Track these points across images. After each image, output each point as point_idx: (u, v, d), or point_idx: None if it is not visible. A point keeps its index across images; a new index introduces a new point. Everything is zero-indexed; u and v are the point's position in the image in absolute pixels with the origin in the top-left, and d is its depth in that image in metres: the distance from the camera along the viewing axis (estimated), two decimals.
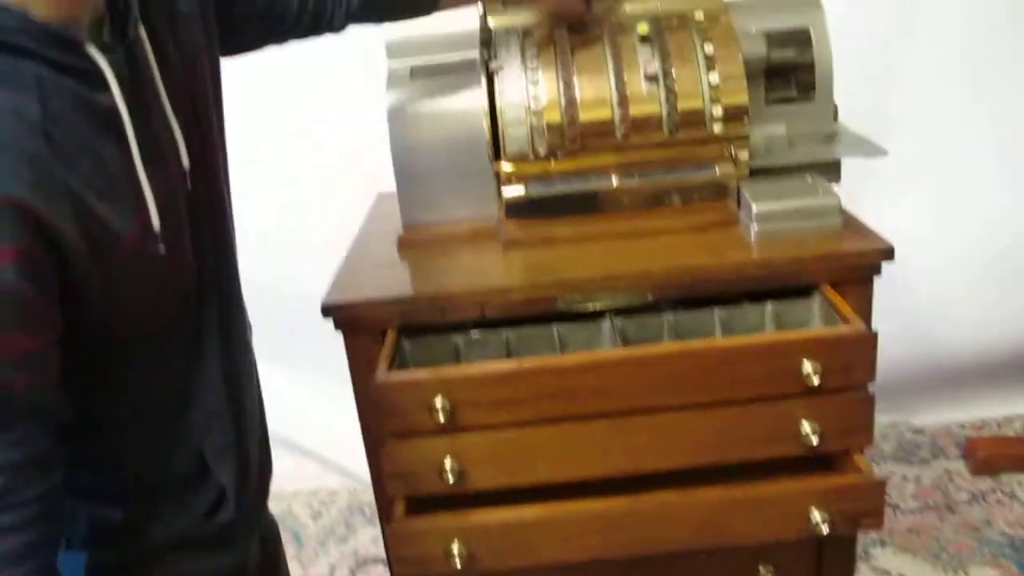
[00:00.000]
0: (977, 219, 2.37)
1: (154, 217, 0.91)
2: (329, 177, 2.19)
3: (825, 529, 1.18)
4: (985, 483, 2.39)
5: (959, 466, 2.47)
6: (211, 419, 1.08)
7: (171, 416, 1.05)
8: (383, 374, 1.18)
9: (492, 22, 1.46)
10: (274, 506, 2.57)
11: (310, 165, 2.22)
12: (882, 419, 2.59)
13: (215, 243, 1.04)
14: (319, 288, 1.34)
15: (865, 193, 2.01)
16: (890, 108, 2.25)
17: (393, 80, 1.45)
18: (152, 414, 1.03)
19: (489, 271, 1.32)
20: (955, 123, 2.30)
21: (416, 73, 1.45)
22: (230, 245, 1.09)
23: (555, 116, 1.35)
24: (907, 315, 2.39)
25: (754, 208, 1.31)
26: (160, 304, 0.96)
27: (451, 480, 1.18)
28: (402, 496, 1.24)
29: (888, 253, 1.27)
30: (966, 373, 2.55)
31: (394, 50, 1.48)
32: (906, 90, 2.27)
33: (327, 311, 1.28)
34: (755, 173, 1.42)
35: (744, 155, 1.38)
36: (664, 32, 1.40)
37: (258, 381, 1.19)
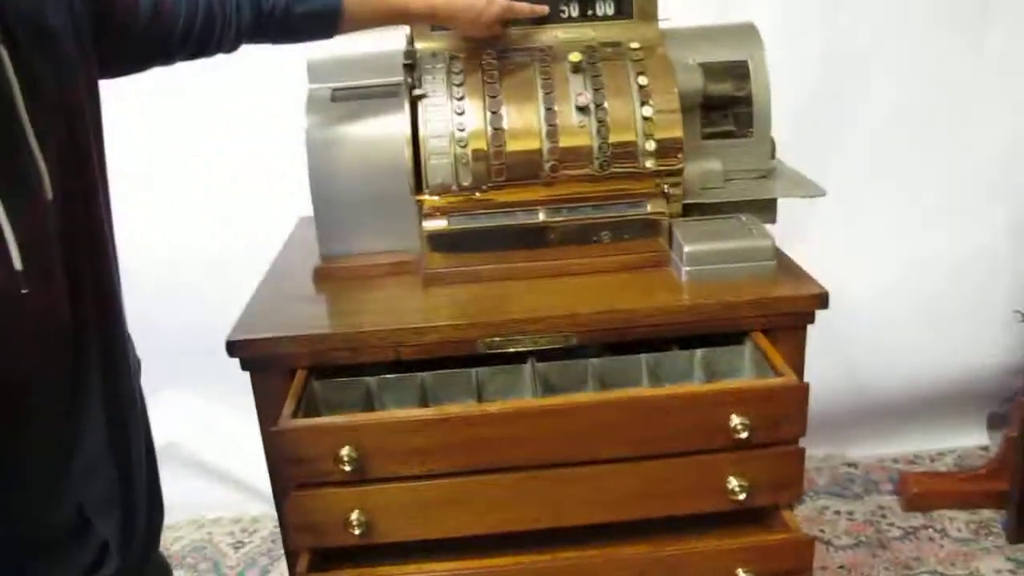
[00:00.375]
0: (912, 257, 2.36)
1: (15, 256, 0.82)
2: (248, 197, 2.09)
3: None
4: (917, 519, 2.37)
5: (892, 501, 2.45)
6: (92, 470, 0.99)
7: (47, 468, 0.95)
8: (286, 420, 1.10)
9: (419, 45, 1.39)
10: (194, 534, 2.47)
11: (229, 184, 2.12)
12: (816, 452, 2.57)
13: (95, 280, 0.96)
14: (236, 314, 1.28)
15: (800, 225, 1.98)
16: (828, 142, 2.23)
17: (313, 102, 1.38)
18: (25, 467, 0.94)
19: (407, 309, 1.25)
20: (893, 160, 2.28)
21: (338, 96, 1.38)
22: (112, 281, 1.00)
23: (481, 146, 1.29)
24: (842, 348, 2.37)
25: (685, 249, 1.26)
26: (27, 349, 0.87)
27: (358, 533, 1.11)
28: (307, 548, 1.16)
29: (823, 300, 1.23)
30: (899, 407, 2.54)
31: (316, 71, 1.41)
32: (844, 126, 2.25)
33: (232, 348, 1.20)
34: (689, 210, 1.37)
35: (677, 192, 1.33)
36: (598, 62, 1.34)
37: (147, 425, 1.10)
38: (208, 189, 2.11)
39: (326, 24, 1.24)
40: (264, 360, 1.21)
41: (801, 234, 2.06)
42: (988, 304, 2.43)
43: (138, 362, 1.10)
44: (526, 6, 1.35)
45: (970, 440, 2.66)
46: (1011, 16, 2.21)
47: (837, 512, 2.43)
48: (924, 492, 2.39)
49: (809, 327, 1.24)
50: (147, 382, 2.42)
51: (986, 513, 2.37)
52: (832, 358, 2.28)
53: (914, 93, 2.23)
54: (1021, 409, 2.18)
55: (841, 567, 2.23)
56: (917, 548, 2.28)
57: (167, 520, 2.58)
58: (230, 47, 1.19)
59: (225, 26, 1.15)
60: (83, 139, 0.93)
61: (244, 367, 1.22)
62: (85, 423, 0.96)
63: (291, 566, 1.26)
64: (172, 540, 2.49)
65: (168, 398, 2.45)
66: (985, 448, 2.66)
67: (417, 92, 1.30)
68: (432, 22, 1.35)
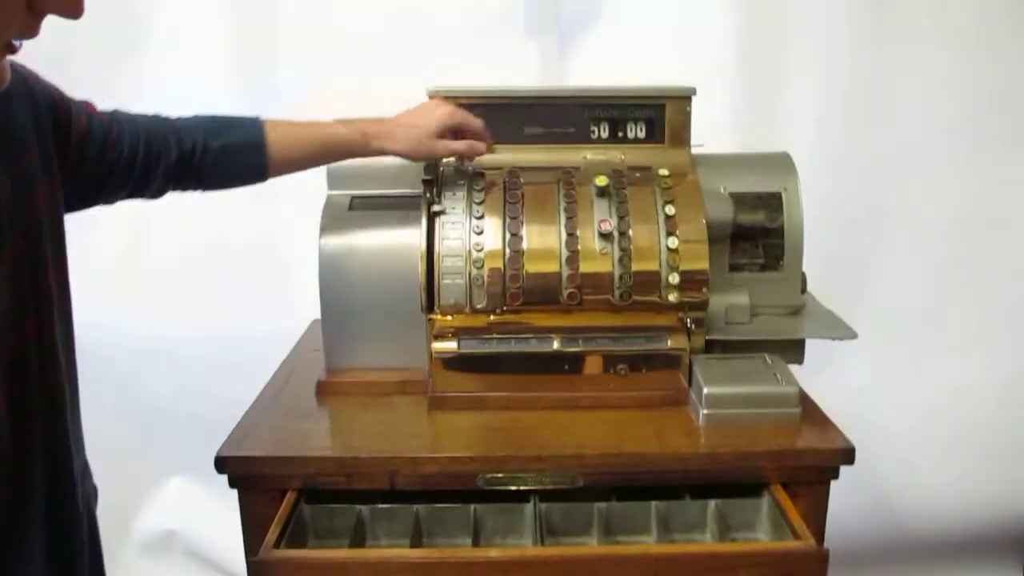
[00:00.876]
0: (947, 386, 2.27)
1: None
2: (266, 293, 2.06)
3: None
4: None
5: None
6: None
7: None
8: (268, 550, 1.03)
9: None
10: None
11: (247, 277, 2.08)
12: None
13: (44, 405, 0.89)
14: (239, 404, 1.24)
15: (831, 352, 1.91)
16: (861, 269, 2.16)
17: (330, 209, 1.35)
18: None
19: (407, 435, 1.19)
20: (931, 291, 2.21)
21: (356, 204, 1.35)
22: (62, 404, 0.92)
23: (497, 268, 1.24)
24: (872, 481, 2.26)
25: (705, 390, 1.20)
26: None
27: None
28: None
29: (848, 455, 1.15)
30: (931, 545, 2.40)
31: (335, 178, 1.38)
32: (879, 251, 2.19)
33: (221, 465, 1.14)
34: (711, 345, 1.30)
35: (700, 327, 1.27)
36: (625, 187, 1.30)
37: (98, 561, 1.03)
38: (227, 282, 2.07)
39: (252, 161, 1.20)
40: (253, 479, 1.15)
41: (830, 360, 1.99)
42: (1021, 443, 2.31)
43: (95, 490, 1.04)
44: (475, 121, 1.30)
45: None
46: None
47: None
48: None
49: None
50: (150, 468, 2.37)
51: None
52: (861, 492, 2.18)
53: (951, 215, 2.16)
54: None
55: None
56: None
57: None
58: (159, 189, 1.15)
59: (157, 165, 1.11)
60: (39, 253, 0.89)
61: (232, 485, 1.16)
62: (24, 554, 0.89)
63: None
64: None
65: (174, 485, 2.39)
66: None
67: (436, 208, 1.26)
68: (368, 152, 1.27)
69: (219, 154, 1.16)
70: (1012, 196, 2.15)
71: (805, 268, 1.40)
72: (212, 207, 2.03)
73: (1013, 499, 2.35)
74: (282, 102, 2.00)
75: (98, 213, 1.82)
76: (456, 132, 1.28)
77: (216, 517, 2.30)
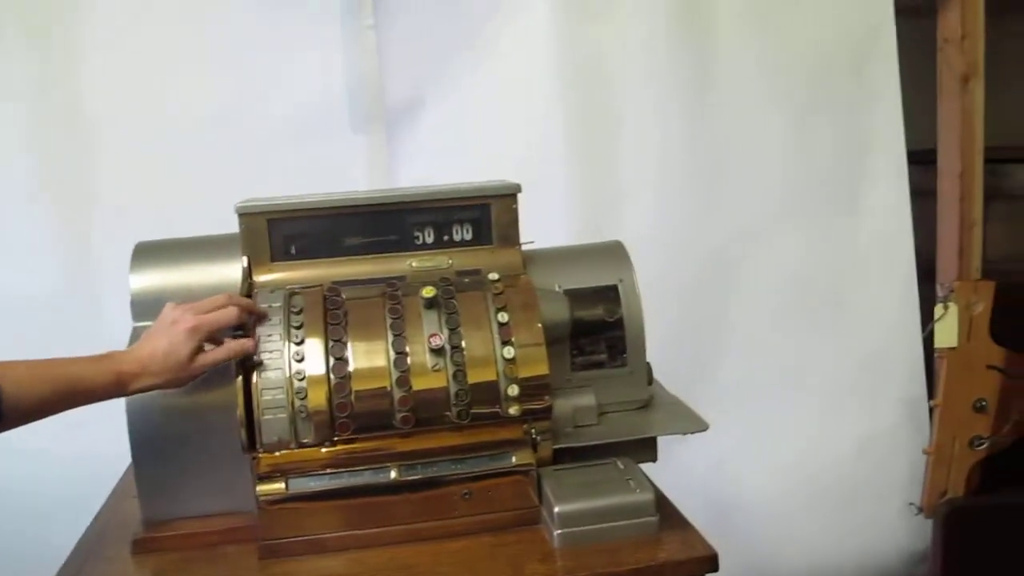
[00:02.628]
0: (804, 445, 2.29)
1: None
2: (76, 437, 1.89)
3: None
4: None
5: None
6: None
7: None
8: None
9: (258, 278, 1.25)
10: None
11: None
12: None
13: None
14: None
15: None
16: (709, 345, 2.17)
17: (137, 336, 1.21)
18: None
19: None
20: (778, 350, 2.23)
21: None
22: None
23: (321, 399, 1.14)
24: (737, 537, 2.24)
25: (556, 509, 1.12)
26: None
27: None
28: None
29: (712, 562, 1.10)
30: None
31: (141, 307, 1.25)
32: (723, 327, 2.20)
33: None
34: (560, 454, 1.23)
35: (546, 437, 1.20)
36: (454, 296, 1.22)
37: None
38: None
39: None
40: None
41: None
42: (887, 492, 2.35)
43: None
44: (223, 316, 1.16)
45: None
46: (881, 198, 2.22)
47: None
48: None
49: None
50: None
51: None
52: (729, 549, 2.15)
53: (793, 281, 2.20)
54: None
55: None
56: None
57: None
58: None
59: None
60: None
61: None
62: None
63: None
64: None
65: None
66: None
67: (249, 361, 1.15)
68: (126, 394, 1.12)
69: None
70: (845, 258, 2.20)
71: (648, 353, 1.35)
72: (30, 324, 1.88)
73: (872, 551, 2.38)
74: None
75: None
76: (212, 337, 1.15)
77: None
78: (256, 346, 1.15)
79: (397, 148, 1.99)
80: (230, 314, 1.15)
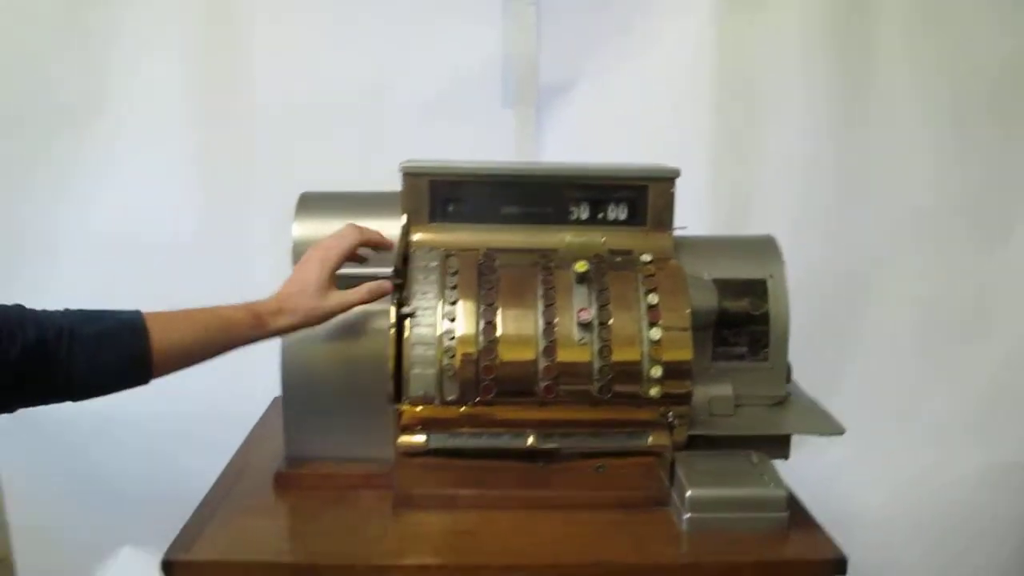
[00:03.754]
0: (917, 468, 2.22)
1: None
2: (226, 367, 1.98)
3: None
4: None
5: None
6: None
7: None
8: None
9: (415, 236, 1.29)
10: None
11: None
12: None
13: None
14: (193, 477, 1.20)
15: None
16: (839, 355, 2.12)
17: None
18: None
19: (370, 538, 1.11)
20: (904, 373, 2.17)
21: None
22: None
23: (470, 358, 1.17)
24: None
25: (688, 493, 1.13)
26: None
27: None
28: None
29: (840, 566, 1.09)
30: None
31: (302, 254, 1.30)
32: (856, 339, 2.15)
33: (169, 569, 1.05)
34: (694, 440, 1.23)
35: (683, 422, 1.20)
36: (605, 273, 1.24)
37: None
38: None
39: (132, 349, 1.01)
40: None
41: (806, 439, 1.94)
42: (1005, 522, 2.27)
43: None
44: (357, 236, 1.20)
45: None
46: None
47: None
48: None
49: None
50: (102, 537, 2.26)
51: None
52: None
53: (930, 305, 2.13)
54: None
55: None
56: None
57: None
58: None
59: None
60: None
61: None
62: None
63: None
64: None
65: (123, 556, 2.28)
66: None
67: (406, 310, 1.18)
68: (266, 335, 1.14)
69: (93, 341, 0.97)
70: (992, 280, 2.13)
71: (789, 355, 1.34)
72: (175, 274, 1.98)
73: None
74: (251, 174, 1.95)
75: (48, 273, 1.73)
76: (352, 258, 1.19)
77: None
78: (406, 299, 1.19)
79: (545, 126, 2.01)
80: (351, 235, 1.18)
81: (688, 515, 1.13)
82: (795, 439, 1.31)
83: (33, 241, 1.99)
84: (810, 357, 1.86)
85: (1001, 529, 2.27)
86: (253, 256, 1.94)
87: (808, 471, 1.94)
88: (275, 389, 1.30)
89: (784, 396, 1.34)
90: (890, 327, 2.17)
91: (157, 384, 1.96)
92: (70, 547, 2.27)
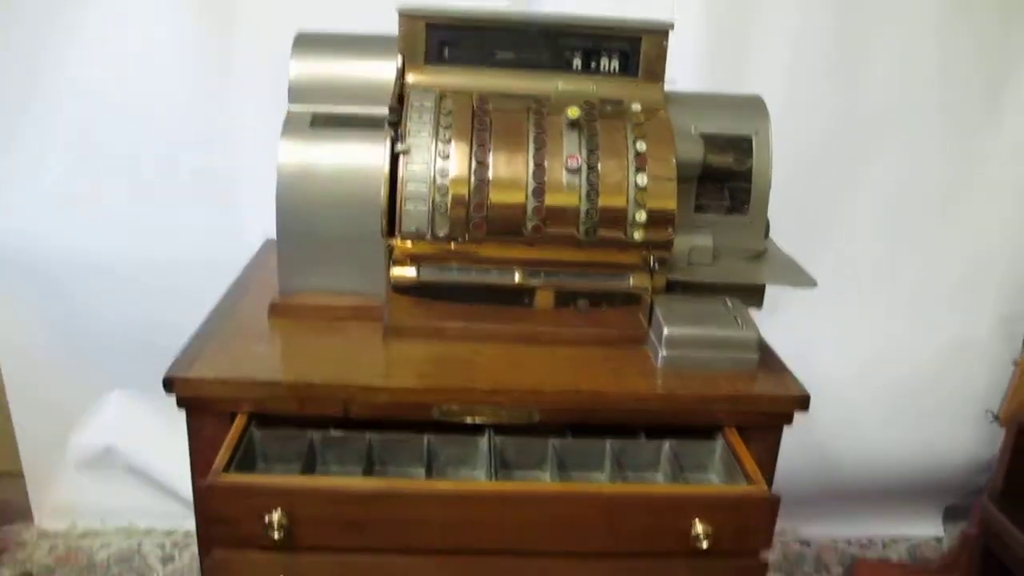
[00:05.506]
0: (891, 343, 2.32)
1: None
2: (220, 206, 2.00)
3: None
4: None
5: None
6: None
7: None
8: (216, 476, 1.01)
9: (410, 78, 1.31)
10: (123, 543, 2.36)
11: (203, 190, 2.02)
12: None
13: None
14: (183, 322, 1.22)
15: (779, 298, 1.94)
16: (819, 221, 2.18)
17: (290, 125, 1.29)
18: None
19: (362, 363, 1.16)
20: (883, 244, 2.24)
21: (317, 121, 1.29)
22: None
23: (462, 196, 1.21)
24: (809, 426, 2.31)
25: (665, 331, 1.19)
26: None
27: None
28: None
29: (803, 402, 1.16)
30: (860, 490, 2.48)
31: (298, 92, 1.32)
32: (837, 205, 2.20)
33: (169, 385, 1.11)
34: (672, 286, 1.29)
35: (663, 266, 1.25)
36: (596, 120, 1.26)
37: None
38: (174, 200, 2.01)
39: None
40: (202, 401, 1.12)
41: (778, 307, 2.01)
42: (962, 397, 2.39)
43: None
44: None
45: (925, 530, 2.61)
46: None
47: None
48: None
49: None
50: (91, 382, 2.32)
51: None
52: (796, 433, 2.21)
53: (913, 178, 2.18)
54: (981, 509, 2.12)
55: None
56: None
57: (97, 524, 2.48)
58: None
59: None
60: None
61: (181, 406, 1.13)
62: None
63: None
64: (99, 547, 2.38)
65: (112, 400, 2.34)
66: (939, 539, 2.61)
67: (400, 148, 1.21)
68: None
69: None
70: (984, 165, 2.17)
71: (768, 214, 1.39)
72: (162, 123, 1.98)
73: (939, 454, 2.43)
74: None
75: (43, 125, 1.73)
76: None
77: (156, 433, 2.26)
78: (400, 137, 1.22)
79: None
80: None
81: (664, 352, 1.19)
82: (767, 307, 1.37)
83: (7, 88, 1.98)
84: (788, 220, 1.90)
85: (959, 401, 2.39)
86: (242, 101, 1.94)
87: (777, 345, 2.01)
88: (267, 232, 1.34)
89: (762, 251, 1.39)
90: (867, 206, 2.22)
91: (146, 230, 2.00)
92: (60, 396, 2.33)
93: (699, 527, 1.02)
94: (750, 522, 1.04)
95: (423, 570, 1.03)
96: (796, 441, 2.14)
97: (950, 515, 2.64)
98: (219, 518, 1.01)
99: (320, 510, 1.00)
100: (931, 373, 2.36)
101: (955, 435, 2.43)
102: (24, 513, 2.43)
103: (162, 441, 2.27)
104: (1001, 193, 2.23)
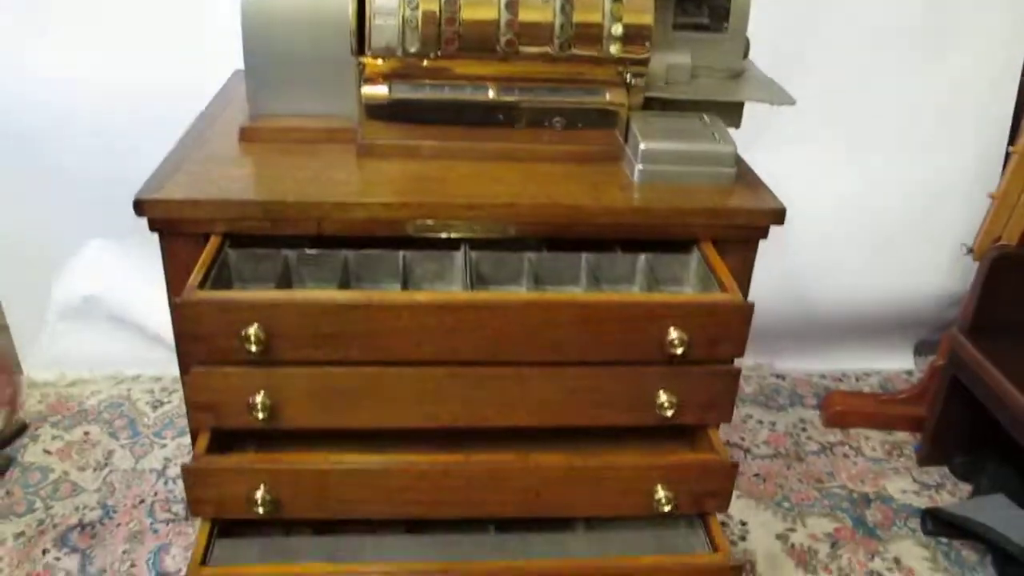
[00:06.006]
0: (868, 178, 2.32)
1: None
2: (183, 43, 1.94)
3: (667, 508, 1.09)
4: (835, 435, 2.39)
5: (814, 416, 2.47)
6: None
7: None
8: (191, 292, 1.01)
9: None
10: (112, 390, 2.39)
11: (165, 27, 1.96)
12: (746, 361, 2.57)
13: None
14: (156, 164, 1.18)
15: (758, 131, 1.92)
16: (799, 49, 2.14)
17: None
18: None
19: (335, 181, 1.15)
20: (863, 78, 2.21)
21: None
22: None
23: (432, 9, 1.17)
24: (785, 260, 2.34)
25: (641, 145, 1.17)
26: None
27: (261, 416, 1.03)
28: (208, 429, 1.09)
29: (779, 215, 1.16)
30: (834, 325, 2.53)
31: None
32: (819, 34, 2.16)
33: (139, 207, 1.09)
34: (649, 104, 1.27)
35: (639, 82, 1.23)
36: None
37: None
38: (143, 31, 1.95)
39: None
40: (175, 223, 1.11)
41: (757, 140, 1.99)
42: (937, 233, 2.41)
43: None
44: None
45: (897, 364, 2.68)
46: None
47: (760, 422, 2.44)
48: (845, 410, 2.41)
49: None
50: (70, 233, 2.30)
51: (901, 435, 2.40)
52: (773, 269, 2.24)
53: (899, 11, 2.13)
54: (950, 340, 2.17)
55: (756, 475, 2.25)
56: (831, 463, 2.31)
57: (85, 373, 2.51)
58: None
59: None
60: None
61: (152, 228, 1.12)
62: None
63: (194, 444, 1.19)
64: (89, 394, 2.41)
65: (91, 249, 2.33)
66: (910, 373, 2.68)
67: None
68: None
69: None
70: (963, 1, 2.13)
71: (749, 34, 1.35)
72: None
73: (912, 288, 2.47)
74: None
75: None
76: None
77: (137, 281, 2.27)
78: None
79: None
80: None
81: (641, 167, 1.18)
82: (743, 139, 1.35)
83: None
84: (772, 46, 1.86)
85: (935, 237, 2.41)
86: None
87: (753, 166, 2.00)
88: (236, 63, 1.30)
89: (740, 70, 1.36)
90: (845, 42, 2.18)
91: (113, 69, 1.94)
92: (39, 247, 2.31)
93: (674, 333, 1.03)
94: (724, 330, 1.06)
95: (400, 382, 1.05)
96: (772, 277, 2.17)
97: (921, 350, 2.71)
98: (196, 335, 1.01)
99: (296, 323, 1.01)
100: (908, 209, 2.38)
101: (929, 271, 2.46)
102: (13, 365, 2.45)
103: (144, 290, 2.27)
104: (980, 30, 2.19)
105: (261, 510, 1.05)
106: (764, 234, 1.17)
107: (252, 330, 0.99)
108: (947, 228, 2.41)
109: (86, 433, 2.28)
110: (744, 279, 1.18)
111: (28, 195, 2.22)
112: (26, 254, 2.31)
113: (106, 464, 2.17)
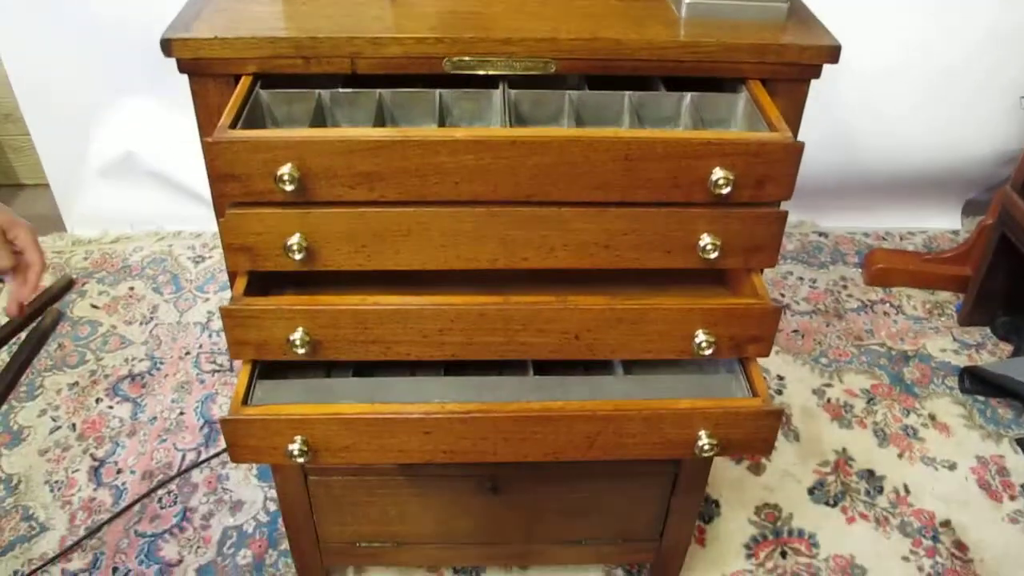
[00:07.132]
0: (923, 33, 2.21)
1: None
2: None
3: (708, 351, 1.08)
4: (876, 294, 2.37)
5: (855, 274, 2.44)
6: None
7: None
8: (222, 131, 0.99)
9: None
10: (154, 246, 2.42)
11: None
12: (789, 219, 2.52)
13: None
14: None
15: None
16: None
17: None
18: None
19: (370, 17, 1.11)
20: None
21: None
22: None
23: None
24: (835, 115, 2.27)
25: None
26: None
27: (298, 258, 1.03)
28: (244, 272, 1.09)
29: (834, 53, 1.10)
30: (882, 182, 2.47)
31: None
32: None
33: (167, 47, 1.06)
34: None
35: None
36: None
37: None
38: None
39: None
40: (204, 64, 1.08)
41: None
42: (997, 87, 2.30)
43: None
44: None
45: (943, 223, 2.63)
46: None
47: (800, 278, 2.42)
48: (888, 268, 2.37)
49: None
50: (106, 89, 2.29)
51: (943, 295, 2.37)
52: (823, 125, 2.18)
53: None
54: (1002, 198, 2.11)
55: (795, 331, 2.24)
56: (871, 321, 2.29)
57: (127, 230, 2.54)
58: None
59: None
60: None
61: (182, 70, 1.09)
62: None
63: (232, 287, 1.19)
64: (132, 251, 2.44)
65: (129, 105, 2.32)
66: (956, 233, 2.63)
67: None
68: None
69: None
70: None
71: None
72: None
73: (965, 146, 2.38)
74: None
75: None
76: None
77: (175, 138, 2.26)
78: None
79: None
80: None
81: (688, 1, 1.12)
82: None
83: None
84: None
85: (993, 90, 2.31)
86: None
87: None
88: None
89: None
90: None
91: None
92: (75, 105, 2.30)
93: (719, 173, 1.00)
94: (772, 169, 1.02)
95: (437, 221, 1.03)
96: (819, 132, 2.10)
97: (969, 210, 2.64)
98: (229, 175, 0.99)
99: (330, 162, 0.98)
100: (966, 62, 2.27)
101: (984, 126, 2.37)
102: (56, 223, 2.48)
103: (182, 147, 2.26)
104: None
105: (300, 351, 1.05)
106: (817, 73, 1.12)
107: (286, 169, 0.97)
108: (1009, 81, 2.30)
109: (131, 288, 2.32)
110: (794, 121, 1.14)
111: (62, 49, 2.19)
112: (61, 110, 2.30)
113: (152, 318, 2.21)
